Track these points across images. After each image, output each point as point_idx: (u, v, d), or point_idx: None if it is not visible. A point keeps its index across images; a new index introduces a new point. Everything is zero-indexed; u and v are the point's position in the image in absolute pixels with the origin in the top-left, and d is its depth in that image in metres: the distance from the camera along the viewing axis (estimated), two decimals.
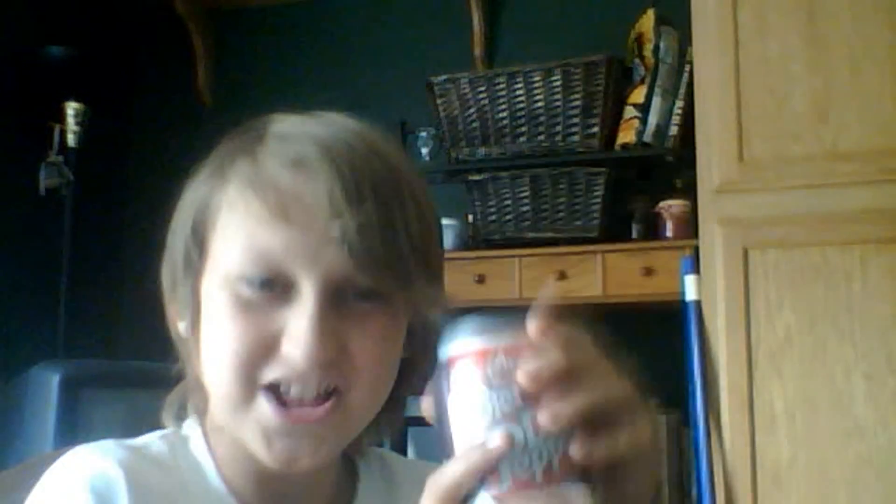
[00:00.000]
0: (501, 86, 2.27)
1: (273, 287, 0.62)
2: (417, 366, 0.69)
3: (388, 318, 0.65)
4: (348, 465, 0.76)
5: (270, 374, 0.62)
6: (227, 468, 0.68)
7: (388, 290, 0.63)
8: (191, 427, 0.71)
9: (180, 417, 0.71)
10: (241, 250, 0.63)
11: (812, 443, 1.81)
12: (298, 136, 0.65)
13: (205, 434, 0.70)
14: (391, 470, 0.78)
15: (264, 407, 0.62)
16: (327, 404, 0.62)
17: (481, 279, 2.22)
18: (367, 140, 0.66)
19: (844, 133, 1.87)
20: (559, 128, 2.24)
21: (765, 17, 1.95)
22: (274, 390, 0.62)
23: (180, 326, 0.69)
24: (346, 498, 0.74)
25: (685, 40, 2.17)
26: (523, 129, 2.27)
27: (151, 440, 0.70)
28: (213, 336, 0.64)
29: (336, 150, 0.63)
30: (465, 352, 0.50)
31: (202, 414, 0.70)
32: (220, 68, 3.07)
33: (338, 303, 0.62)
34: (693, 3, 2.04)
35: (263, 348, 0.62)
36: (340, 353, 0.62)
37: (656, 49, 2.22)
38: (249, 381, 0.62)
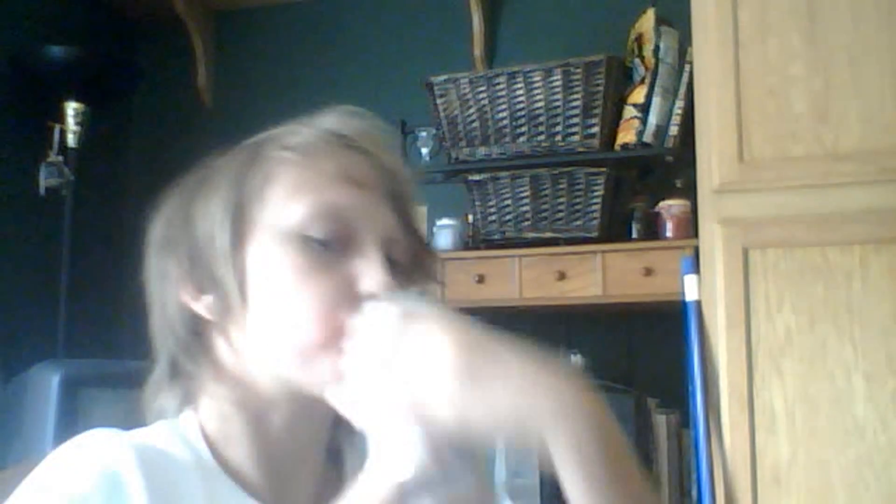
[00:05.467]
0: (501, 86, 2.27)
1: (334, 245, 0.68)
2: None
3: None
4: (336, 460, 0.79)
5: (352, 319, 0.66)
6: (225, 451, 0.71)
7: (416, 255, 0.72)
8: (184, 418, 0.73)
9: (161, 414, 0.74)
10: (308, 209, 0.68)
11: (812, 443, 1.81)
12: (342, 115, 0.74)
13: (200, 423, 0.72)
14: None
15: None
16: None
17: (481, 279, 2.22)
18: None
19: (844, 133, 1.87)
20: (559, 128, 2.24)
21: (765, 17, 1.95)
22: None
23: (199, 306, 0.71)
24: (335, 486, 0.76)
25: (685, 40, 2.17)
26: (523, 129, 2.27)
27: (152, 430, 0.72)
28: (290, 291, 0.67)
29: (375, 130, 0.75)
30: None
31: (195, 401, 0.73)
32: (220, 68, 3.07)
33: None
34: (693, 3, 2.04)
35: (343, 294, 0.67)
36: None
37: (656, 49, 2.22)
38: (335, 328, 0.66)
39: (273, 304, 0.68)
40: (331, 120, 0.73)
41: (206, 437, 0.71)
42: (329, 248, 0.68)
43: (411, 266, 0.72)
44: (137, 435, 0.70)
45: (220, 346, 0.71)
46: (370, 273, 0.67)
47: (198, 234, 0.70)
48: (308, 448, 0.74)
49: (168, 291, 0.72)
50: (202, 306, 0.71)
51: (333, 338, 0.66)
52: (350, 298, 0.66)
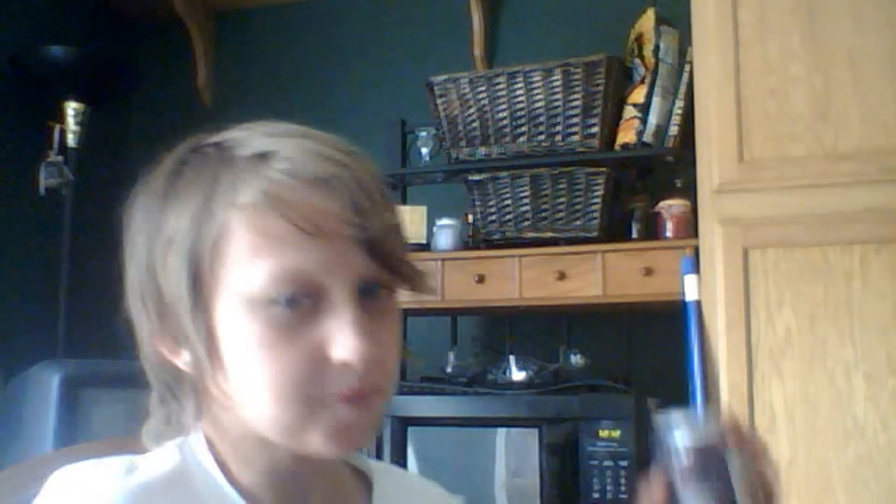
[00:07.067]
0: (501, 86, 2.27)
1: (302, 302, 0.64)
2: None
3: (396, 309, 0.69)
4: (359, 475, 0.80)
5: (329, 387, 0.64)
6: (237, 472, 0.70)
7: (407, 282, 0.68)
8: (192, 437, 0.72)
9: (160, 440, 0.72)
10: (269, 272, 0.63)
11: (812, 443, 1.81)
12: (303, 153, 0.66)
13: (208, 442, 0.71)
14: (405, 483, 0.84)
15: (340, 412, 0.64)
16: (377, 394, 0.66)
17: (481, 279, 2.22)
18: (355, 150, 0.69)
19: (844, 133, 1.87)
20: (559, 128, 2.23)
21: (765, 17, 1.96)
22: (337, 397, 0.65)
23: (180, 361, 0.69)
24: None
25: (685, 40, 2.17)
26: (523, 129, 2.27)
27: (160, 455, 0.70)
28: (256, 364, 0.64)
29: (347, 165, 0.66)
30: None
31: (196, 422, 0.71)
32: (220, 68, 3.07)
33: (361, 302, 0.65)
34: (693, 3, 2.04)
35: (314, 365, 0.64)
36: (377, 348, 0.65)
37: (656, 49, 2.22)
38: (310, 399, 0.64)
39: (245, 375, 0.65)
40: (288, 153, 0.66)
41: (217, 459, 0.70)
42: (297, 307, 0.64)
43: (412, 277, 0.69)
44: (142, 466, 0.68)
45: (210, 389, 0.70)
46: (341, 337, 0.63)
47: (162, 287, 0.68)
48: (319, 469, 0.73)
49: (144, 340, 0.71)
50: (180, 361, 0.69)
51: (310, 410, 0.64)
52: (322, 366, 0.64)
